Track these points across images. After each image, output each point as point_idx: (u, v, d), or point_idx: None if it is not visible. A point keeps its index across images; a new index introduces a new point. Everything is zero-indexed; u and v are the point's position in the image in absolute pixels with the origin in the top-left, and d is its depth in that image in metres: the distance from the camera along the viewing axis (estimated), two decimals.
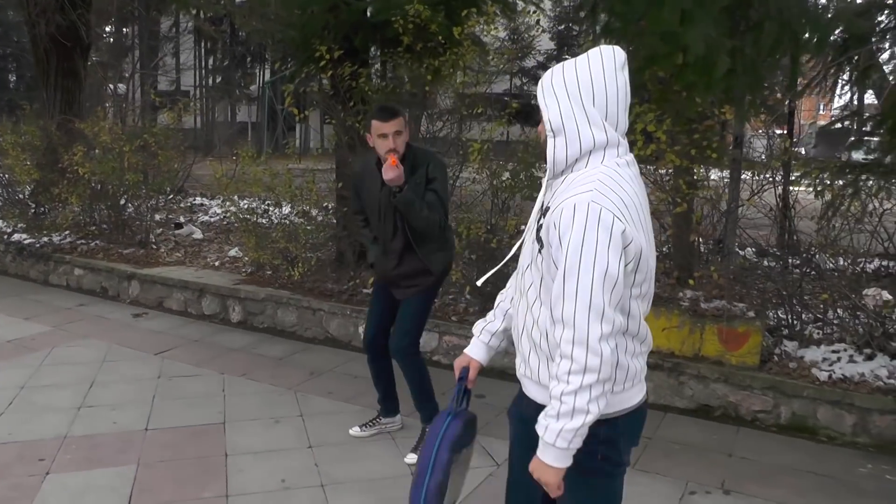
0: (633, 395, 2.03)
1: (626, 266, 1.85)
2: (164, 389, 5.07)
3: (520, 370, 2.14)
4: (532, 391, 2.10)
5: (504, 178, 5.87)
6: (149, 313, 7.11)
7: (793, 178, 6.09)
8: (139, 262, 7.93)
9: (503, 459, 4.01)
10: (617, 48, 1.94)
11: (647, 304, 2.02)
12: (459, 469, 2.27)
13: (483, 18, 6.53)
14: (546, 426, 1.88)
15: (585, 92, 1.89)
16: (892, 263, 6.49)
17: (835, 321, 5.14)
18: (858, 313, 5.04)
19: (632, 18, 4.85)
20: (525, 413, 2.10)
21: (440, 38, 6.13)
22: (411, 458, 4.08)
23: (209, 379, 5.30)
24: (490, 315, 2.35)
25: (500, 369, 5.34)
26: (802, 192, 6.10)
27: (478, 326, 2.35)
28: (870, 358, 4.70)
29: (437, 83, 6.47)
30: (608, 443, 1.98)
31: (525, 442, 2.06)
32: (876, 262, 6.42)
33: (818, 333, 5.11)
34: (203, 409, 4.72)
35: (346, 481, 3.82)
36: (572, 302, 1.81)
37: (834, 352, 4.80)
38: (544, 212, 1.97)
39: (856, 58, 5.93)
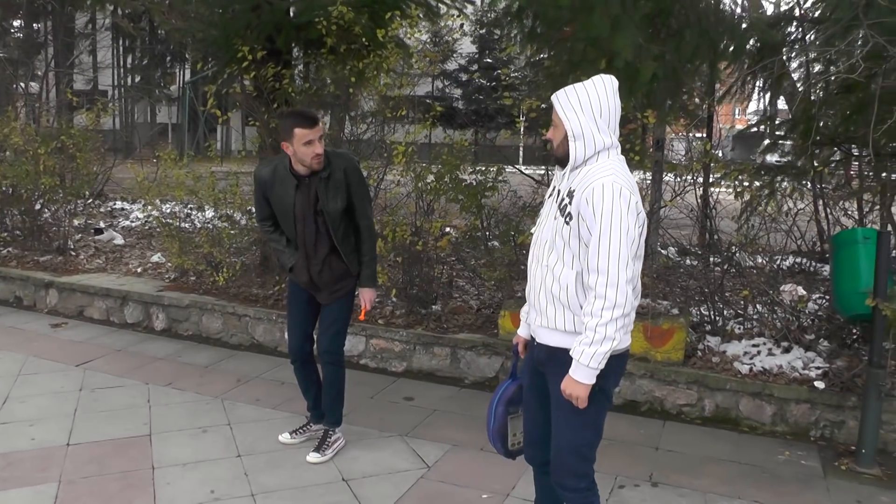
0: (625, 340, 2.60)
1: (637, 230, 2.50)
2: (86, 402, 4.89)
3: (536, 322, 2.73)
4: (545, 337, 2.70)
5: (429, 181, 5.87)
6: (68, 323, 6.85)
7: (713, 179, 6.28)
8: (57, 270, 7.64)
9: (434, 461, 4.05)
10: (612, 77, 2.61)
11: (641, 263, 2.63)
12: (516, 421, 2.99)
13: (407, 21, 6.52)
14: (581, 351, 2.49)
15: (595, 108, 2.57)
16: (805, 260, 6.76)
17: (754, 316, 5.33)
18: (776, 308, 5.23)
19: (559, 24, 4.92)
20: (537, 361, 2.76)
21: (364, 40, 6.09)
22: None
23: (133, 389, 5.14)
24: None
25: (429, 371, 5.38)
26: (722, 193, 6.29)
27: (523, 311, 2.96)
28: (787, 350, 4.90)
29: (361, 85, 6.43)
30: (604, 377, 2.55)
31: (541, 390, 2.77)
32: (791, 260, 6.68)
33: (739, 328, 5.29)
34: (128, 421, 4.58)
35: (277, 489, 3.76)
36: (606, 256, 2.45)
37: (754, 346, 4.99)
38: (569, 194, 2.58)
39: (771, 66, 6.15)
